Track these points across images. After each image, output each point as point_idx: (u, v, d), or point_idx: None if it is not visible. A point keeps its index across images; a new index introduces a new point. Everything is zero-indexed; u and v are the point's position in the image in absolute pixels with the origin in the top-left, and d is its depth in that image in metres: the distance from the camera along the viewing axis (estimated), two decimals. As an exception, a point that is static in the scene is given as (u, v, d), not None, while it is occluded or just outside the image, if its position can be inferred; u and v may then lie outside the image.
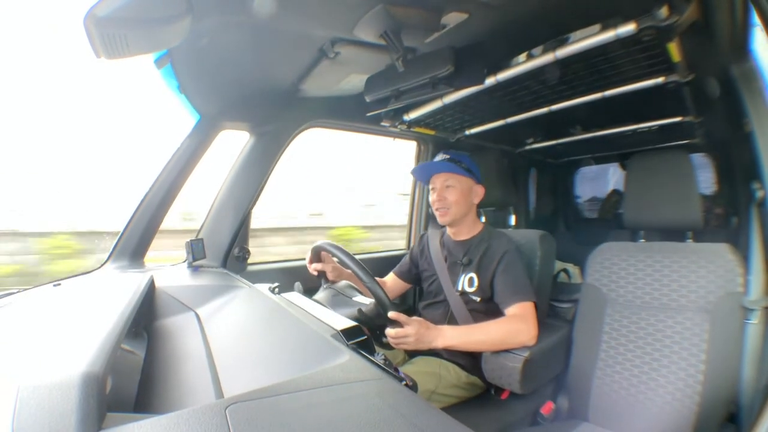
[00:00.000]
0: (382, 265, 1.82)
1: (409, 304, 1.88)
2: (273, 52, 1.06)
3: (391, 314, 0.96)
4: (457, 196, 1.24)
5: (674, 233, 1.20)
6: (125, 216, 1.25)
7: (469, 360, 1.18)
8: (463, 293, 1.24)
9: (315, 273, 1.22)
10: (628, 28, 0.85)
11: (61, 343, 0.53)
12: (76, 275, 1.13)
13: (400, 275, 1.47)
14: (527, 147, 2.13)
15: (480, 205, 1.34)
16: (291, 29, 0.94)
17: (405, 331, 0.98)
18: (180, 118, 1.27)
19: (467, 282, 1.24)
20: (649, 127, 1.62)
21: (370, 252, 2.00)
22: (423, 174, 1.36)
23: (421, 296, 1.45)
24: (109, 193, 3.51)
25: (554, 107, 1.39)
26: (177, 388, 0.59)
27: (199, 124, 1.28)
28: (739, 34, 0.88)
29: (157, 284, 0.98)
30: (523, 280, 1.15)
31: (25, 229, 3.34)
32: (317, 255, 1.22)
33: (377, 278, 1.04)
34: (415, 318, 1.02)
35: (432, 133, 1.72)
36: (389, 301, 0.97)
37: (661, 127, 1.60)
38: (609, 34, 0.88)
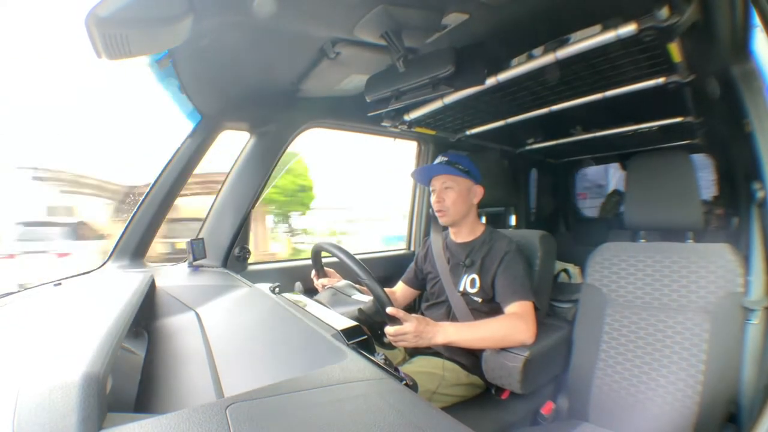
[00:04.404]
0: (383, 265, 1.83)
1: (411, 305, 1.88)
2: (273, 53, 1.06)
3: (390, 310, 0.97)
4: (454, 197, 1.26)
5: (675, 233, 1.20)
6: (126, 215, 1.25)
7: (470, 359, 1.19)
8: (465, 294, 1.24)
9: (320, 288, 1.22)
10: (629, 28, 0.85)
11: (62, 342, 0.53)
12: (76, 275, 1.13)
13: (407, 282, 1.48)
14: (528, 147, 2.13)
15: (481, 206, 1.34)
16: (291, 29, 0.94)
17: (404, 328, 0.98)
18: (180, 117, 1.27)
19: (469, 283, 1.24)
20: (650, 127, 1.62)
21: (372, 252, 2.00)
22: (423, 176, 1.38)
23: (424, 298, 1.46)
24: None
25: (555, 108, 1.39)
26: (177, 387, 0.59)
27: (199, 124, 1.28)
28: (739, 34, 0.87)
29: (157, 284, 0.98)
30: (523, 280, 1.16)
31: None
32: (322, 268, 1.25)
33: (386, 289, 1.05)
34: (414, 315, 1.02)
35: (433, 133, 1.72)
36: (388, 298, 0.98)
37: (662, 127, 1.59)
38: (609, 35, 0.88)
